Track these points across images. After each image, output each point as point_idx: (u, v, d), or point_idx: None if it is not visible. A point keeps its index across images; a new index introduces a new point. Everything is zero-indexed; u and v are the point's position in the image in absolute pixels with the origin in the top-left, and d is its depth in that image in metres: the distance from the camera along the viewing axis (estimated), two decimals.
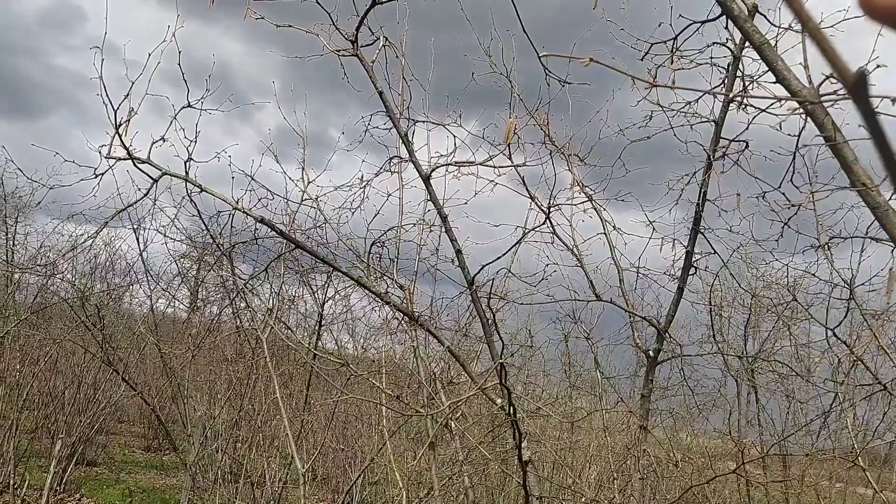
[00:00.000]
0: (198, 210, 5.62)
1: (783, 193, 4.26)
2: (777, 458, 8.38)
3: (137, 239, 10.91)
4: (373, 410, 8.73)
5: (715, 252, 5.45)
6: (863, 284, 5.28)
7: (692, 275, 5.46)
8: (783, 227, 4.49)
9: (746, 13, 3.39)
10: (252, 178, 5.60)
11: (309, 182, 6.35)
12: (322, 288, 8.64)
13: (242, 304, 8.02)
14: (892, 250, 4.05)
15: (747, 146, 5.20)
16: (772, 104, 3.15)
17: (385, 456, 7.51)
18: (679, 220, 5.73)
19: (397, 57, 5.59)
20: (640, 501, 6.15)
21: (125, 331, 11.10)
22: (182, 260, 13.71)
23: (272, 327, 6.67)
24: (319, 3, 4.71)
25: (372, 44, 5.17)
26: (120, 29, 4.84)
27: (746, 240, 5.64)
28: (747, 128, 4.69)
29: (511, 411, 4.57)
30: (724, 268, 5.85)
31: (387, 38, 5.22)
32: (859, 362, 6.87)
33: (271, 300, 8.45)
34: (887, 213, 2.90)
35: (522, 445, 4.68)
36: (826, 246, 4.64)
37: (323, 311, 8.62)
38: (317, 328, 8.77)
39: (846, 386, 7.50)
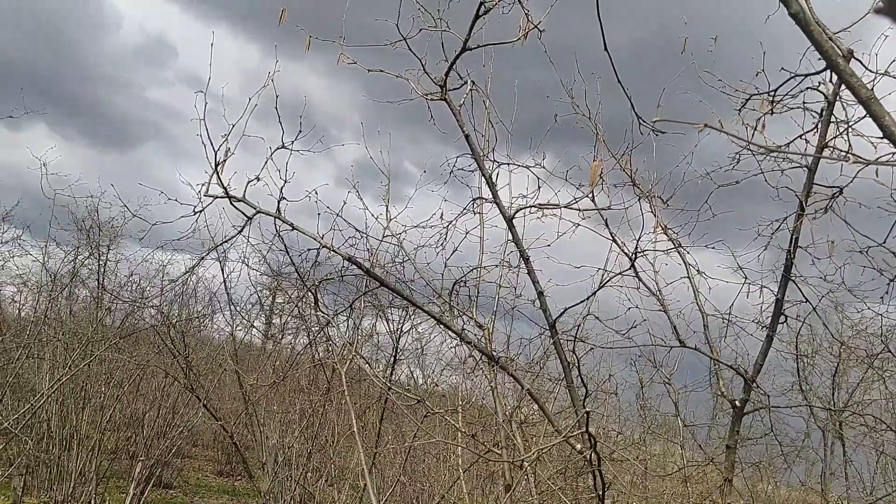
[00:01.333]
0: (285, 246, 5.78)
1: (892, 252, 4.12)
2: None
3: (222, 269, 11.29)
4: (442, 446, 8.71)
5: (807, 301, 5.28)
6: None
7: (782, 323, 5.30)
8: (889, 284, 4.34)
9: (847, 63, 3.33)
10: (338, 216, 5.73)
11: (391, 219, 6.47)
12: (399, 322, 8.75)
13: (322, 337, 8.19)
14: None
15: (841, 192, 5.05)
16: (880, 159, 3.07)
17: (457, 493, 7.47)
18: (767, 264, 5.57)
19: (483, 101, 5.69)
20: None
21: (205, 357, 11.44)
22: (264, 291, 14.15)
23: (350, 360, 6.77)
24: (412, 51, 4.85)
25: (459, 87, 5.27)
26: (204, 62, 5.07)
27: (837, 286, 5.45)
28: (851, 181, 4.57)
29: (594, 459, 4.50)
30: (811, 313, 5.66)
31: (474, 83, 5.32)
32: None
33: (347, 333, 8.60)
34: None
35: (606, 495, 4.59)
36: None
37: (398, 345, 8.71)
38: (391, 362, 8.87)
39: None
